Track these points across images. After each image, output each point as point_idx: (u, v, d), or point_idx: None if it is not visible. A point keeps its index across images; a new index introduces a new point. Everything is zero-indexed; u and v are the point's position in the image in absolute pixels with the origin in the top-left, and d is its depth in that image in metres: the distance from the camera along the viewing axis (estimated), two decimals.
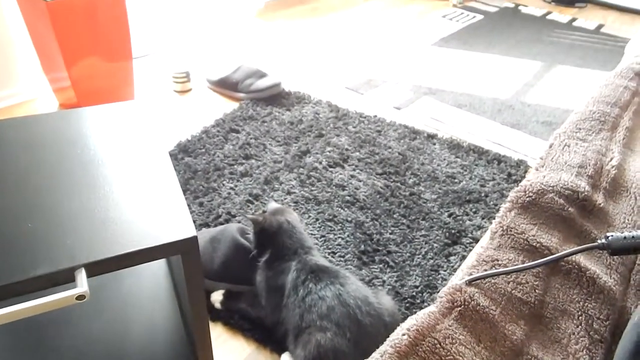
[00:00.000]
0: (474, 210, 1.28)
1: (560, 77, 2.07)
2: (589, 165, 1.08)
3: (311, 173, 1.37)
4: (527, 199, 0.97)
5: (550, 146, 1.28)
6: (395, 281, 1.07)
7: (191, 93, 1.80)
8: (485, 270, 0.68)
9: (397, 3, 2.91)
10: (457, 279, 0.66)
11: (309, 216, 1.22)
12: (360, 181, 1.35)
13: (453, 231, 1.20)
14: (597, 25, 2.71)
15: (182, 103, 1.73)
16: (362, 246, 1.15)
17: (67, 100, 1.61)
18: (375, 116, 1.65)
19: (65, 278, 0.55)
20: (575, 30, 2.63)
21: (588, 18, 2.82)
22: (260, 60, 2.05)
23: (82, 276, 0.54)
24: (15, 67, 1.62)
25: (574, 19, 2.79)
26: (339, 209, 1.25)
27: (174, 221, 0.62)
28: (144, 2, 2.43)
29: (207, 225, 1.19)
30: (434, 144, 1.53)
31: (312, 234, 1.17)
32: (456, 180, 1.38)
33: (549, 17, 2.81)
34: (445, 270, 1.10)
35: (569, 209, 0.91)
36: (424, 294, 1.03)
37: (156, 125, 0.82)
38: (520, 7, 2.93)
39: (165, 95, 1.77)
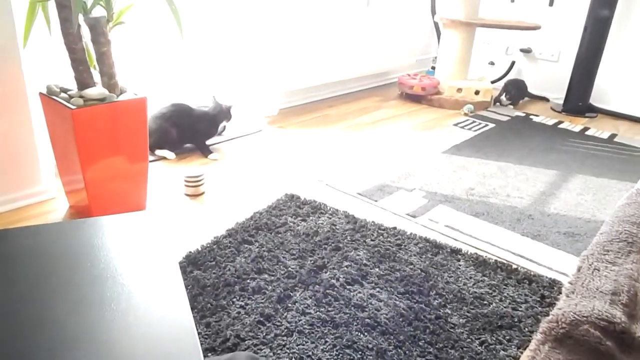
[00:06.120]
0: (507, 337, 1.18)
1: (577, 187, 2.06)
2: (622, 292, 1.01)
3: (328, 291, 1.30)
4: (561, 330, 0.90)
5: (579, 269, 1.22)
6: None
7: (203, 197, 1.80)
8: None
9: (408, 112, 3.03)
10: None
11: (326, 342, 1.13)
12: (380, 301, 1.28)
13: None
14: (609, 135, 2.78)
15: (193, 209, 1.72)
16: None
17: (79, 202, 1.62)
18: (395, 228, 1.62)
19: None
20: (589, 139, 2.69)
21: (600, 128, 2.90)
22: (272, 167, 2.09)
23: None
24: (38, 167, 1.66)
25: (586, 128, 2.87)
26: (359, 334, 1.16)
27: (179, 346, 0.60)
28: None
29: (213, 350, 1.10)
30: (459, 260, 1.48)
31: None
32: (485, 302, 1.30)
33: (560, 126, 2.90)
34: None
35: (607, 342, 0.83)
36: None
37: (167, 238, 0.84)
38: (531, 117, 3.04)
39: (176, 200, 1.77)
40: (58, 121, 1.51)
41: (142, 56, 2.20)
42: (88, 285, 0.70)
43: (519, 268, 1.47)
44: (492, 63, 3.67)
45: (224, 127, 2.38)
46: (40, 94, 1.53)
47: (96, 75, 1.55)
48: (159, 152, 2.10)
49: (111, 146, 1.53)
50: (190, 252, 1.43)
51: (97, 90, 1.49)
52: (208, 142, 2.24)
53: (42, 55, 1.76)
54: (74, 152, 1.47)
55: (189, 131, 2.16)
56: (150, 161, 1.98)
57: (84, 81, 1.51)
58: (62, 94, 1.49)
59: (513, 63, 3.55)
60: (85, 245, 0.79)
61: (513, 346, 1.16)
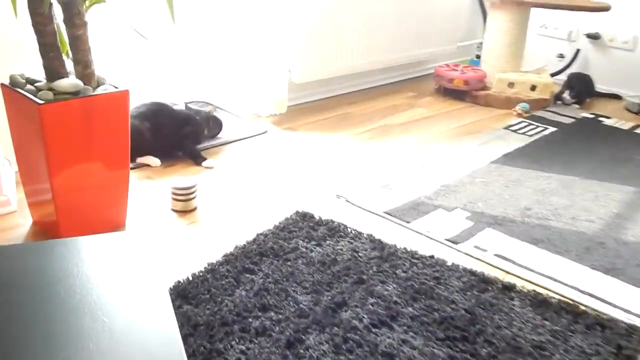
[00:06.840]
0: None
1: None
2: None
3: (349, 335, 1.29)
4: None
5: None
6: None
7: (195, 214, 1.80)
8: None
9: (447, 111, 3.02)
10: None
11: None
12: (414, 349, 1.26)
13: None
14: None
15: (183, 228, 1.72)
16: None
17: (44, 217, 1.63)
18: (432, 257, 1.62)
19: None
20: None
21: None
22: (280, 178, 2.08)
23: None
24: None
25: None
26: None
27: None
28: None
29: None
30: (512, 299, 1.46)
31: None
32: (546, 353, 1.28)
33: (638, 131, 2.88)
34: None
35: None
36: None
37: (154, 264, 0.87)
38: (601, 119, 3.02)
39: (162, 216, 1.78)
40: (22, 118, 1.53)
41: (125, 41, 2.22)
42: (61, 321, 0.71)
43: (588, 310, 1.45)
44: (561, 56, 3.63)
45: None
46: (2, 85, 1.55)
47: (69, 64, 1.57)
48: (141, 159, 2.11)
49: (85, 149, 1.54)
50: (179, 282, 1.43)
51: (70, 81, 1.51)
52: (200, 147, 2.25)
53: (5, 40, 1.78)
54: (40, 155, 1.48)
55: (173, 136, 2.17)
56: (131, 169, 1.98)
57: (54, 70, 1.52)
58: (28, 86, 1.51)
59: (578, 51, 3.53)
60: (58, 272, 0.80)
61: None
